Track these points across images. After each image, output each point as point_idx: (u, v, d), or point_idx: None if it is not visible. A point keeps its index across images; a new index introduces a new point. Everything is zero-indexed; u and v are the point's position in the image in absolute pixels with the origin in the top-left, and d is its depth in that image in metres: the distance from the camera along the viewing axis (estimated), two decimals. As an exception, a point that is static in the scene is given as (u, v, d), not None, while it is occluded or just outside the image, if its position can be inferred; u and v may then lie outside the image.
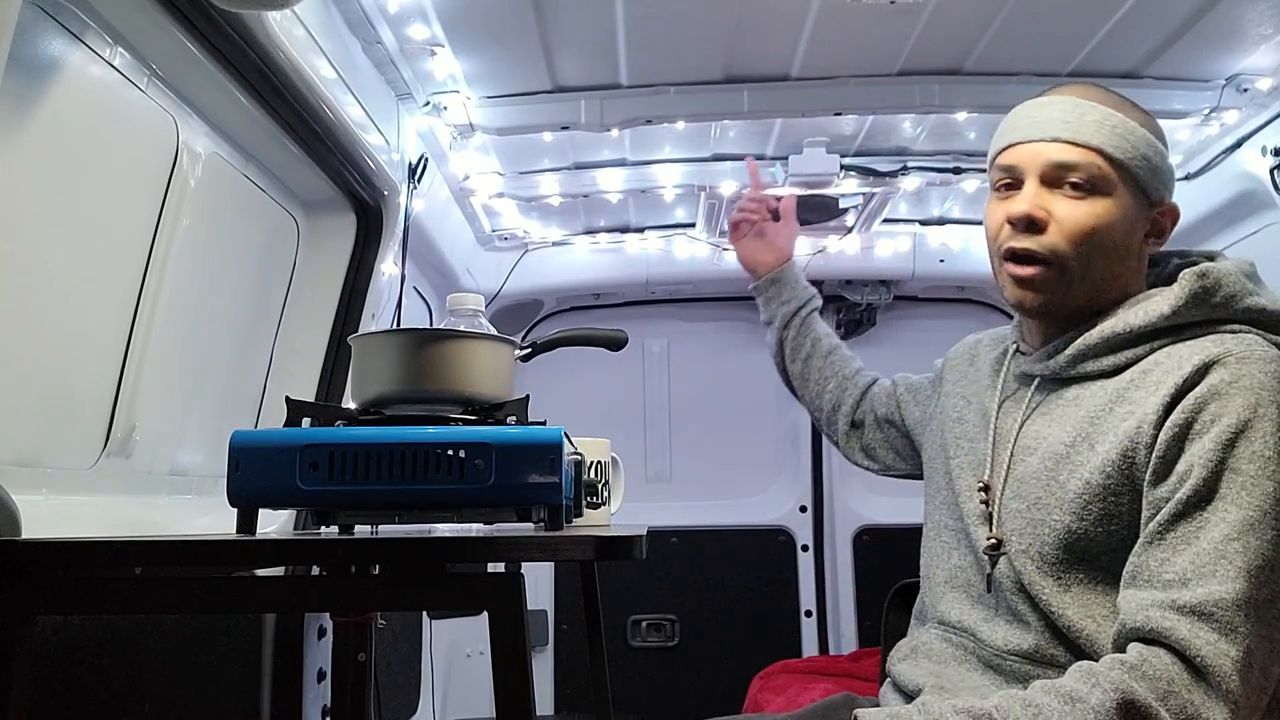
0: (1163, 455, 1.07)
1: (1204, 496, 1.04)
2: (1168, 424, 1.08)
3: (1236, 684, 0.97)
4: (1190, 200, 2.31)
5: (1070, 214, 1.18)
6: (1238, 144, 2.12)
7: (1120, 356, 1.17)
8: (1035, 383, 1.26)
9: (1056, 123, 1.20)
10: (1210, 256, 1.26)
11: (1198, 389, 1.08)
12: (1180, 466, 1.06)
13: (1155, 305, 1.16)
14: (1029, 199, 1.19)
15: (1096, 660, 1.07)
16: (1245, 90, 1.99)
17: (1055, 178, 1.19)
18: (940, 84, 2.02)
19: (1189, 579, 1.01)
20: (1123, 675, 0.99)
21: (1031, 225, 1.19)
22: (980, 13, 1.78)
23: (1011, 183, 1.23)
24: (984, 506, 1.25)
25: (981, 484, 1.26)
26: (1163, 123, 2.11)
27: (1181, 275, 1.17)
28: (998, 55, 1.92)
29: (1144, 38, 1.86)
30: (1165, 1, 1.72)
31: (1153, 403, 1.10)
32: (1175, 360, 1.12)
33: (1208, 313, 1.15)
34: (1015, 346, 1.33)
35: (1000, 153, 1.25)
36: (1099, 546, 1.12)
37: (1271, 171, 2.03)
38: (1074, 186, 1.18)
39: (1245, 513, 1.02)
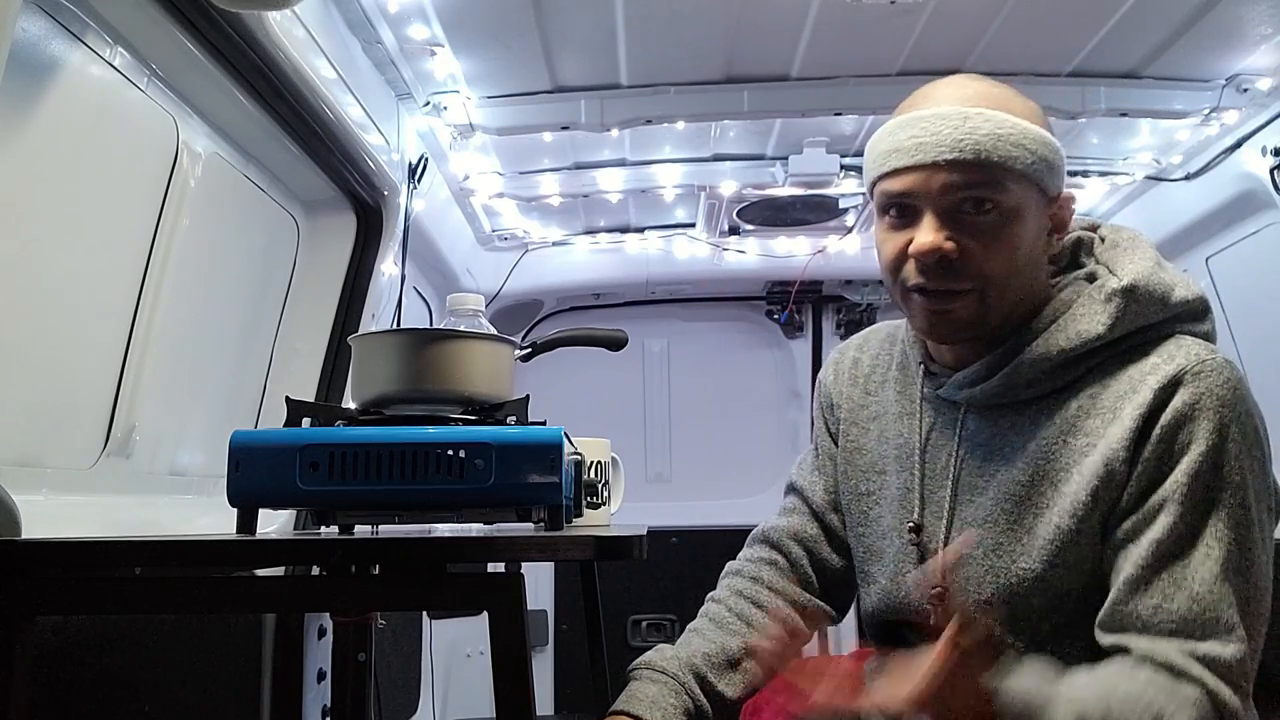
0: (1134, 491, 1.04)
1: (1183, 534, 1.01)
2: (1141, 459, 1.04)
3: None
4: (1190, 200, 2.32)
5: (979, 243, 1.07)
6: (1238, 144, 2.12)
7: (1056, 380, 1.10)
8: (962, 410, 1.17)
9: (947, 142, 1.06)
10: (1093, 227, 1.19)
11: (1164, 417, 1.03)
12: (1153, 500, 1.03)
13: (1087, 327, 1.09)
14: (932, 232, 1.07)
15: None
16: (1245, 90, 1.99)
17: (956, 204, 1.07)
18: (940, 84, 2.02)
19: (1193, 631, 0.99)
20: (1193, 693, 0.97)
21: (941, 261, 1.07)
22: (980, 13, 1.78)
23: (903, 209, 1.10)
24: (915, 549, 1.18)
25: (911, 524, 1.18)
26: (1163, 123, 2.17)
27: (1112, 293, 1.09)
28: (998, 55, 1.92)
29: (1144, 38, 1.86)
30: (1165, 1, 1.72)
31: (1116, 434, 1.05)
32: (1128, 383, 1.07)
33: (1142, 321, 1.10)
34: (923, 366, 1.22)
35: (884, 177, 1.11)
36: (1069, 586, 1.08)
37: (1271, 171, 2.03)
38: (976, 206, 1.07)
39: (1226, 548, 1.00)
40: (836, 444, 1.35)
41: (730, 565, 1.40)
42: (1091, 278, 1.14)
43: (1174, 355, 1.06)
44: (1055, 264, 1.17)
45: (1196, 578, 0.99)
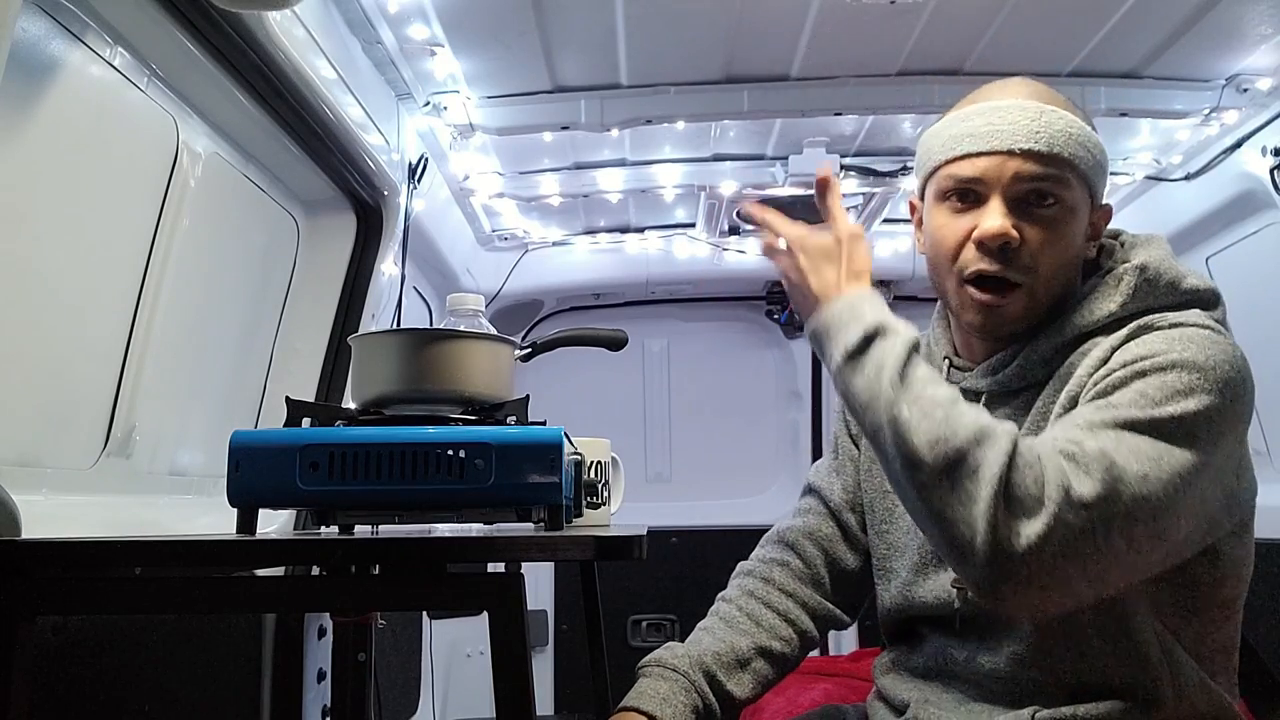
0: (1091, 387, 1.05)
1: (1106, 396, 1.00)
2: (1100, 372, 1.05)
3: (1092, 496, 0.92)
4: (1190, 200, 2.31)
5: (1043, 237, 1.10)
6: (1238, 144, 2.12)
7: (1067, 355, 1.12)
8: (983, 400, 1.17)
9: (1024, 132, 1.09)
10: (1114, 234, 1.21)
11: (1131, 343, 1.05)
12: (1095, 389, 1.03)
13: (1102, 305, 1.11)
14: (1001, 217, 1.09)
15: (1080, 672, 1.06)
16: (1245, 90, 1.99)
17: (1024, 193, 1.10)
18: (940, 84, 2.02)
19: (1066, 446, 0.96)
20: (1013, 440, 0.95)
21: (1005, 248, 1.09)
22: (980, 13, 1.78)
23: (967, 194, 1.12)
24: None
25: None
26: (1163, 123, 2.17)
27: (1124, 272, 1.12)
28: (998, 55, 1.92)
29: (1144, 38, 1.86)
30: (1165, 1, 1.72)
31: (1088, 364, 1.07)
32: (1112, 338, 1.08)
33: (1152, 303, 1.11)
34: (948, 361, 1.24)
35: (953, 161, 1.13)
36: None
37: (1271, 171, 2.03)
38: (1040, 199, 1.10)
39: (1148, 437, 0.96)
40: (858, 446, 1.37)
41: (742, 565, 1.41)
42: (1109, 273, 1.16)
43: (1165, 314, 1.09)
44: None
45: (1100, 423, 0.97)
